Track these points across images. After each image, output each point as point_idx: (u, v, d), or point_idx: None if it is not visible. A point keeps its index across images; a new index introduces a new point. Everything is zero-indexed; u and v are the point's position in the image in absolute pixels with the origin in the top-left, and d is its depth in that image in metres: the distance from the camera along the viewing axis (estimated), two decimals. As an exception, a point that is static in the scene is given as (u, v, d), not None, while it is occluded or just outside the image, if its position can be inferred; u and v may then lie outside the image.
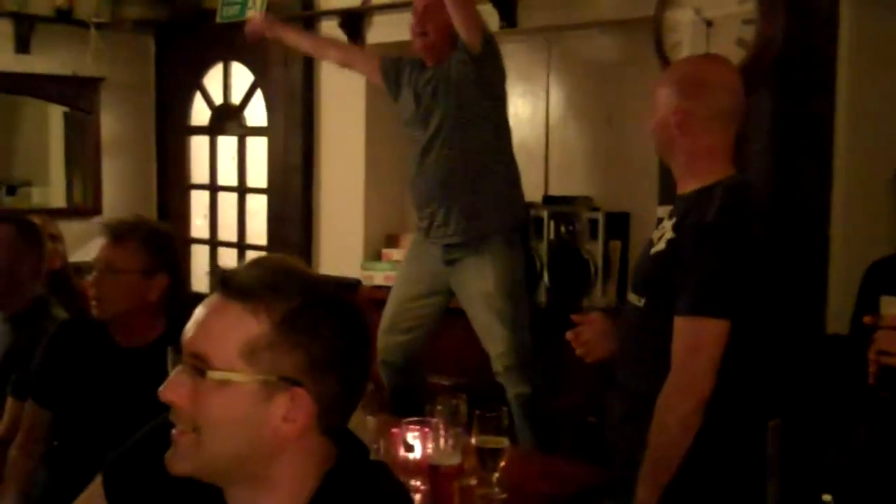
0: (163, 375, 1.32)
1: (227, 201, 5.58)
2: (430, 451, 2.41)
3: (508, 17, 4.05)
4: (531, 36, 3.64)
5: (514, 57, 4.17)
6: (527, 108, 4.41)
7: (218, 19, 5.22)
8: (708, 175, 2.29)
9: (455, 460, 2.34)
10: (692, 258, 2.18)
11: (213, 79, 5.55)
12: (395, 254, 4.68)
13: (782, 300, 2.50)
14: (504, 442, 2.33)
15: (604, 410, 2.51)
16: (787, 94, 3.21)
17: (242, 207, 5.48)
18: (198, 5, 5.42)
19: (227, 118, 5.52)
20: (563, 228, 4.00)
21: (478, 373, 3.69)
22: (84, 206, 5.60)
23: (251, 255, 5.32)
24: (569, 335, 2.49)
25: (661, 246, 2.27)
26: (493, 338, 3.57)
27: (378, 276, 4.64)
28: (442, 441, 2.39)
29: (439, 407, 2.51)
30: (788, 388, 2.81)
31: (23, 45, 5.18)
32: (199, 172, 5.72)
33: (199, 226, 5.67)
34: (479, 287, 3.57)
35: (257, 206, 5.38)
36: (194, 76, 5.59)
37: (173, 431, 1.30)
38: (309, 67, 4.99)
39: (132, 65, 5.69)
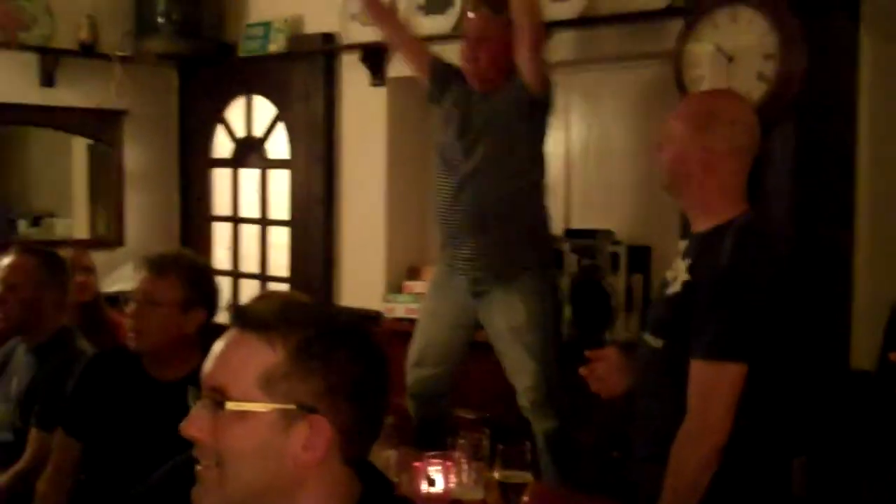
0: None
1: (250, 233, 5.61)
2: (452, 485, 2.41)
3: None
4: (552, 69, 3.66)
5: (535, 90, 4.18)
6: (548, 141, 4.42)
7: (240, 53, 5.29)
8: (722, 213, 2.28)
9: (477, 495, 2.33)
10: (708, 302, 2.17)
11: (235, 112, 5.59)
12: (417, 286, 4.69)
13: (805, 336, 2.48)
14: (527, 476, 2.31)
15: (627, 445, 2.50)
16: (808, 129, 3.21)
17: (264, 239, 5.50)
18: (220, 39, 5.47)
19: (249, 151, 5.55)
20: (584, 262, 4.00)
21: (502, 406, 3.68)
22: (107, 237, 5.64)
23: (273, 286, 5.35)
24: (583, 371, 2.48)
25: (676, 288, 2.26)
26: (521, 372, 3.55)
27: (399, 308, 4.64)
28: (464, 475, 2.39)
29: (462, 440, 2.50)
30: (813, 426, 2.79)
31: (47, 79, 5.24)
32: (221, 204, 5.75)
33: (221, 258, 5.70)
34: (509, 320, 3.55)
35: (279, 238, 5.40)
36: (217, 109, 5.63)
37: (197, 468, 1.31)
38: (330, 101, 5.03)
39: (155, 98, 5.74)
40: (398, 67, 4.72)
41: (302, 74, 5.11)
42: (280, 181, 5.38)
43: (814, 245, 3.20)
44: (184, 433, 1.30)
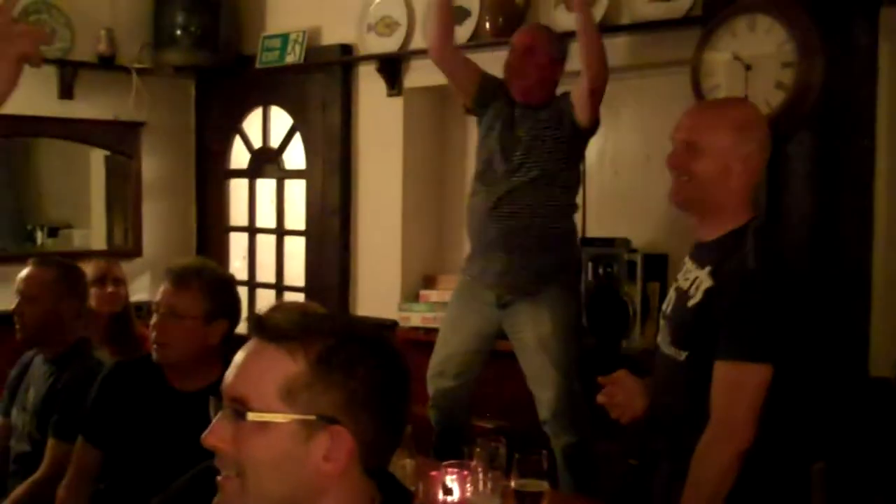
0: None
1: (266, 243, 5.62)
2: (468, 494, 2.40)
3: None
4: (569, 79, 3.66)
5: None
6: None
7: (258, 64, 5.31)
8: (739, 218, 2.30)
9: (494, 504, 2.32)
10: (735, 304, 2.16)
11: (252, 123, 5.61)
12: (433, 295, 4.69)
13: (824, 344, 2.47)
14: (544, 485, 2.31)
15: (644, 453, 2.49)
16: (827, 136, 3.19)
17: (281, 249, 5.51)
18: (238, 51, 5.49)
19: (265, 161, 5.57)
20: (601, 270, 3.99)
21: (520, 416, 3.67)
22: (124, 248, 5.65)
23: (289, 296, 5.35)
24: (601, 399, 2.45)
25: (698, 297, 2.24)
26: (544, 382, 3.54)
27: (415, 317, 4.65)
28: (481, 484, 2.38)
29: (478, 450, 2.50)
30: (832, 432, 2.78)
31: (66, 91, 5.27)
32: (238, 215, 5.77)
33: (237, 268, 5.70)
34: (535, 331, 3.55)
35: (295, 249, 5.41)
36: (234, 120, 5.65)
37: (218, 478, 1.31)
38: (347, 111, 5.04)
39: (173, 109, 5.76)
40: (414, 78, 4.73)
41: (319, 85, 5.12)
42: (296, 191, 5.39)
43: (832, 254, 3.19)
44: (205, 443, 1.30)
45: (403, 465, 2.55)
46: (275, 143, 5.49)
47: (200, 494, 1.35)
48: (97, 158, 5.90)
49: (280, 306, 1.37)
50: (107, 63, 5.34)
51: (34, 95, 5.14)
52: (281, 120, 5.44)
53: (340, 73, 5.03)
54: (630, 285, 3.92)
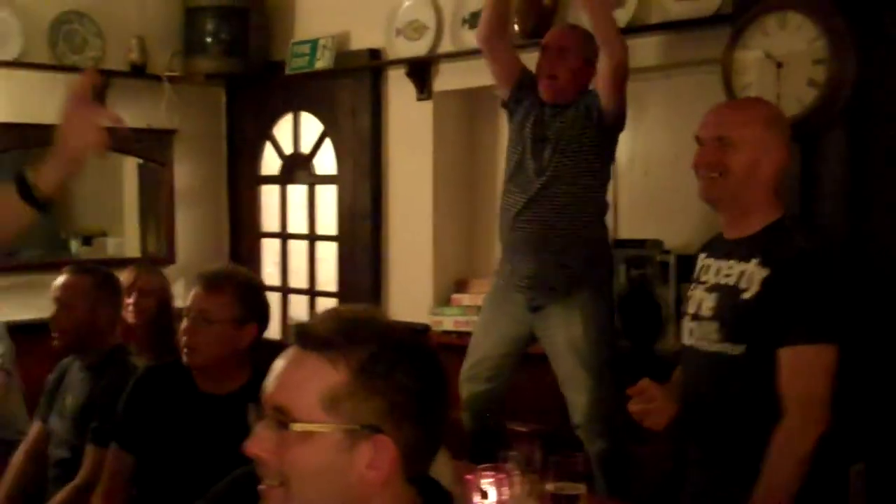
0: (246, 424, 1.33)
1: (298, 249, 5.64)
2: (505, 497, 2.39)
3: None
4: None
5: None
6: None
7: (287, 71, 5.33)
8: (772, 212, 2.36)
9: (531, 507, 2.32)
10: (801, 288, 2.20)
11: (282, 129, 5.63)
12: (465, 299, 4.69)
13: (862, 343, 2.46)
14: (580, 488, 2.30)
15: (679, 456, 2.48)
16: (860, 134, 3.15)
17: (312, 255, 5.53)
18: (268, 58, 5.52)
19: (296, 167, 5.60)
20: (633, 272, 3.97)
21: (556, 418, 3.66)
22: (158, 255, 5.69)
23: (321, 301, 5.37)
24: (634, 409, 2.44)
25: (755, 288, 2.25)
26: (576, 387, 3.52)
27: (447, 321, 4.65)
28: (517, 487, 2.37)
29: (514, 453, 2.49)
30: (871, 432, 2.75)
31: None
32: (269, 221, 5.79)
33: (270, 273, 5.73)
34: (567, 334, 3.53)
35: (327, 254, 5.43)
36: (265, 126, 5.68)
37: (261, 486, 1.31)
38: (377, 115, 5.05)
39: (204, 117, 5.80)
40: (443, 81, 4.74)
41: (348, 90, 5.14)
42: (328, 196, 5.41)
43: (866, 252, 3.16)
44: (247, 452, 1.30)
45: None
46: (305, 148, 5.51)
47: (241, 501, 1.35)
48: (130, 166, 5.95)
49: (332, 312, 1.37)
50: (138, 72, 5.39)
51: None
52: (311, 125, 5.45)
53: (370, 77, 5.04)
54: (663, 287, 3.90)
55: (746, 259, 2.30)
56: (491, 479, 2.43)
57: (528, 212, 3.56)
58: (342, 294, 5.25)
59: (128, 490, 2.71)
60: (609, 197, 3.74)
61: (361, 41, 5.10)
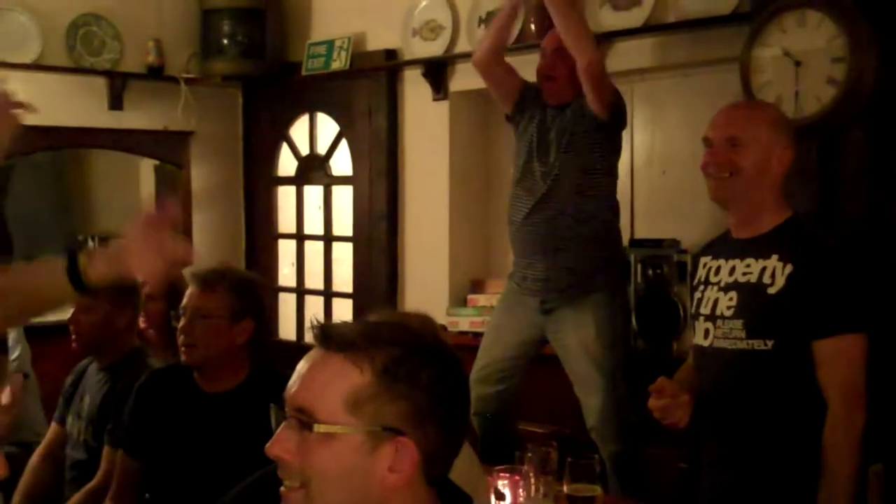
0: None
1: (314, 250, 5.64)
2: (521, 499, 2.39)
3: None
4: (614, 78, 3.63)
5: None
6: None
7: (304, 72, 5.33)
8: (783, 211, 2.40)
9: (547, 509, 2.31)
10: (833, 280, 2.25)
11: (299, 130, 5.64)
12: (481, 299, 4.68)
13: (880, 342, 2.44)
14: (597, 490, 2.29)
15: (694, 457, 2.47)
16: (880, 132, 3.13)
17: (329, 255, 5.53)
18: (284, 59, 5.53)
19: (313, 168, 5.60)
20: (650, 272, 3.95)
21: (571, 420, 3.64)
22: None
23: (337, 302, 5.37)
24: (654, 406, 2.42)
25: (780, 283, 2.27)
26: (589, 389, 3.51)
27: (463, 321, 4.64)
28: (533, 489, 2.37)
29: (530, 454, 2.49)
30: (890, 432, 2.73)
31: (116, 102, 5.33)
32: (286, 222, 5.80)
33: (286, 274, 5.74)
34: (579, 337, 3.52)
35: (343, 254, 5.43)
36: (281, 128, 5.68)
37: (282, 488, 1.31)
38: (393, 116, 5.05)
39: (221, 118, 5.81)
40: (460, 81, 4.73)
41: (364, 91, 5.14)
42: (343, 197, 5.41)
43: (885, 250, 3.13)
44: (269, 453, 1.30)
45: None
46: (322, 149, 5.51)
47: (262, 502, 1.35)
48: (147, 168, 5.98)
49: (370, 316, 1.37)
50: (155, 74, 5.40)
51: (84, 107, 5.22)
52: (327, 126, 5.46)
53: (386, 78, 5.04)
54: (680, 286, 3.88)
55: (766, 256, 2.32)
56: (507, 481, 2.43)
57: (536, 215, 3.56)
58: (358, 295, 5.25)
59: (139, 494, 2.73)
60: (626, 198, 3.73)
61: (377, 42, 5.10)
